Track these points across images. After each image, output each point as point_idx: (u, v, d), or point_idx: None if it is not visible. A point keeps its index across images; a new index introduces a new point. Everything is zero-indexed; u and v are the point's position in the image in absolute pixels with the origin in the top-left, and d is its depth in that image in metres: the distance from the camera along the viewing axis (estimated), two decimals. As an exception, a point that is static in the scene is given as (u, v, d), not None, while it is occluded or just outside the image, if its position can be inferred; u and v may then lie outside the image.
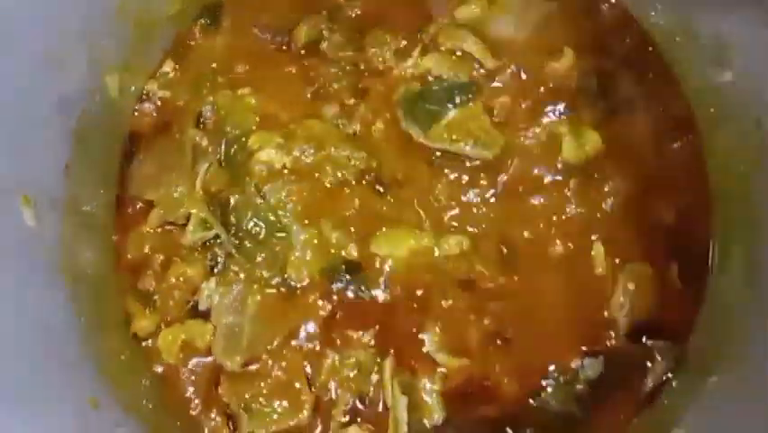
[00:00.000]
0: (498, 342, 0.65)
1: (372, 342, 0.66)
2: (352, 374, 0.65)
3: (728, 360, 0.61)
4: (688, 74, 0.69)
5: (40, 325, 0.58)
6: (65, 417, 0.58)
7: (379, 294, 0.67)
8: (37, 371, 0.57)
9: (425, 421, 0.64)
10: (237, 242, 0.68)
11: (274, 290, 0.67)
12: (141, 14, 0.67)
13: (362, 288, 0.67)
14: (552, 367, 0.65)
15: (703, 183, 0.68)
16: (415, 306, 0.66)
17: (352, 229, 0.68)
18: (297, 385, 0.65)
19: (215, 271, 0.68)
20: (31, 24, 0.57)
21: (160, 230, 0.69)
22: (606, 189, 0.68)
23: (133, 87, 0.71)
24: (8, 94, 0.56)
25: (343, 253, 0.67)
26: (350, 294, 0.67)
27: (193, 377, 0.67)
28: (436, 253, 0.66)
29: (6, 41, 0.55)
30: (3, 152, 0.56)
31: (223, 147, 0.70)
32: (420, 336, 0.65)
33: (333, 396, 0.65)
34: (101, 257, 0.68)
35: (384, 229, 0.67)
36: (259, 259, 0.67)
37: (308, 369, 0.66)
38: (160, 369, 0.68)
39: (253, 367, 0.66)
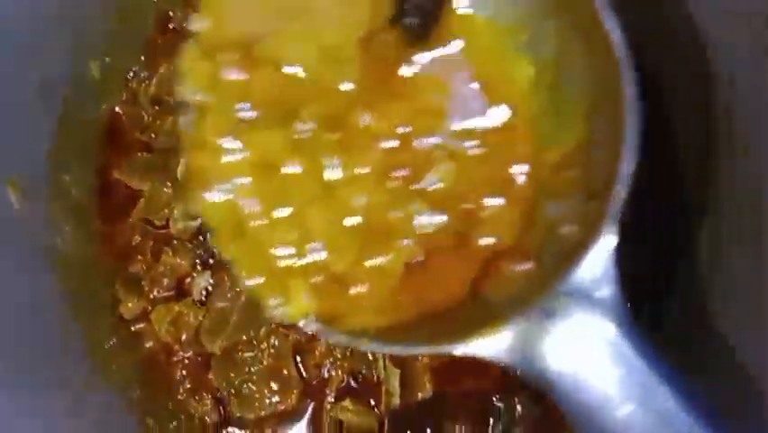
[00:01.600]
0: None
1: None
2: (344, 354, 0.66)
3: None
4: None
5: (32, 309, 0.58)
6: (55, 399, 0.57)
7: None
8: (28, 355, 0.56)
9: (417, 394, 0.65)
10: None
11: None
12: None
13: None
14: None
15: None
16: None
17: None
18: (285, 372, 0.65)
19: (211, 263, 0.68)
20: (13, 9, 0.57)
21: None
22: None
23: (117, 71, 0.70)
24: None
25: None
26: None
27: (186, 360, 0.67)
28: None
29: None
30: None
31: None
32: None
33: (326, 376, 0.66)
34: (89, 242, 0.67)
35: None
36: None
37: (299, 353, 0.66)
38: (150, 346, 0.67)
39: (245, 353, 0.66)
